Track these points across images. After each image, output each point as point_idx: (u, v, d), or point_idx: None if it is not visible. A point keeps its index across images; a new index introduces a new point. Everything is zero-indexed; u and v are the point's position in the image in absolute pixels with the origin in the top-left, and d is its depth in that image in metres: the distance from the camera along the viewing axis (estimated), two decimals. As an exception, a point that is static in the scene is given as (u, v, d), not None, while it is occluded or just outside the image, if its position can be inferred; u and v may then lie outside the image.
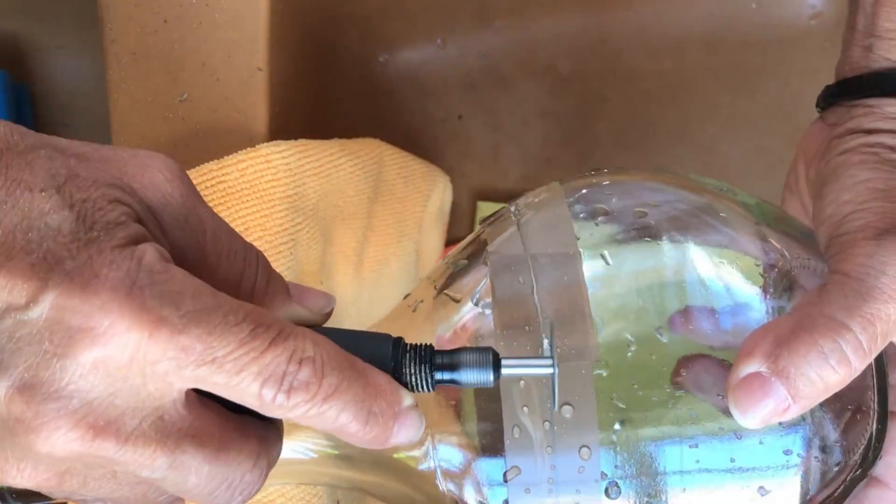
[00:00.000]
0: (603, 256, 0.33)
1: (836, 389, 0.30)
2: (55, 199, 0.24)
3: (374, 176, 0.50)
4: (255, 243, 0.40)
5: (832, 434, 0.32)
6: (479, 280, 0.33)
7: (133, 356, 0.23)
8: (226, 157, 0.40)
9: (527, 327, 0.31)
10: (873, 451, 0.33)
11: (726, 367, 0.31)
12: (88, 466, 0.25)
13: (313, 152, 0.44)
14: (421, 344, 0.28)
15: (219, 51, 0.42)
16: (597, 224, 0.33)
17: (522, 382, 0.30)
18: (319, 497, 0.41)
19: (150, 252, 0.24)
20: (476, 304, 0.33)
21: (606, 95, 0.67)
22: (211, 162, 0.40)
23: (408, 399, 0.27)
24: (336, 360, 0.25)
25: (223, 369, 0.24)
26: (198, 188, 0.39)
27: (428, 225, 0.60)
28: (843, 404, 0.32)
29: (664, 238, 0.33)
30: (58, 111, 0.69)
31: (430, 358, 0.28)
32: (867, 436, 0.33)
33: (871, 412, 0.33)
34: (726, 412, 0.30)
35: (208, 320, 0.24)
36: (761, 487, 0.31)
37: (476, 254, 0.34)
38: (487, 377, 0.28)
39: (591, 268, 0.32)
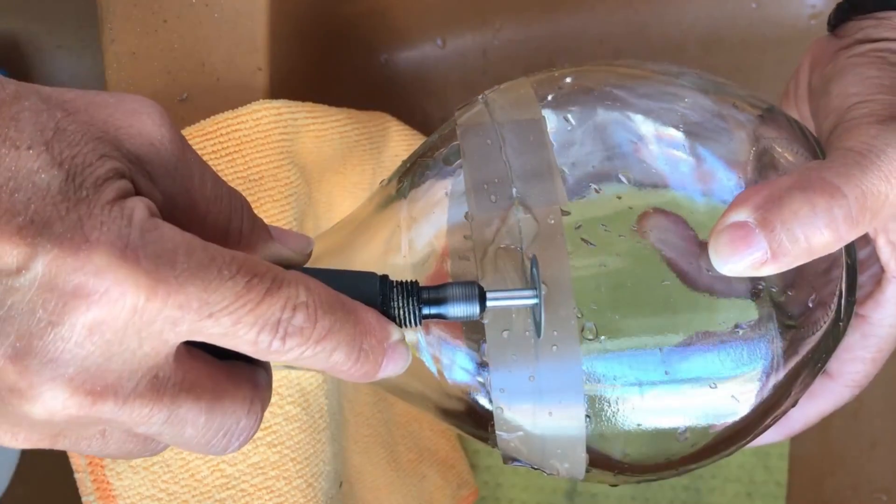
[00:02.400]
0: (566, 119, 0.34)
1: (818, 254, 0.30)
2: (44, 157, 0.23)
3: (380, 147, 0.50)
4: (267, 193, 0.41)
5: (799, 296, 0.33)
6: (449, 146, 0.35)
7: (130, 319, 0.23)
8: (241, 107, 0.41)
9: (496, 179, 0.32)
10: (846, 305, 0.34)
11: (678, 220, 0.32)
12: (83, 427, 0.24)
13: (320, 115, 0.44)
14: (406, 280, 0.28)
15: (219, 51, 0.42)
16: (560, 95, 0.35)
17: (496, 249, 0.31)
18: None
19: (139, 208, 0.23)
20: (446, 164, 0.34)
21: (606, 95, 0.67)
22: (226, 111, 0.41)
23: (396, 334, 0.27)
24: (328, 303, 0.25)
25: (220, 322, 0.24)
26: (213, 136, 0.40)
27: None
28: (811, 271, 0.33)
29: (626, 104, 0.34)
30: (58, 111, 0.69)
31: (417, 293, 0.28)
32: (837, 293, 0.34)
33: (841, 269, 0.34)
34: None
35: (203, 276, 0.23)
36: (736, 326, 0.32)
37: (446, 133, 0.36)
38: (474, 310, 0.28)
39: (555, 128, 0.33)
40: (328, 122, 0.45)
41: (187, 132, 0.40)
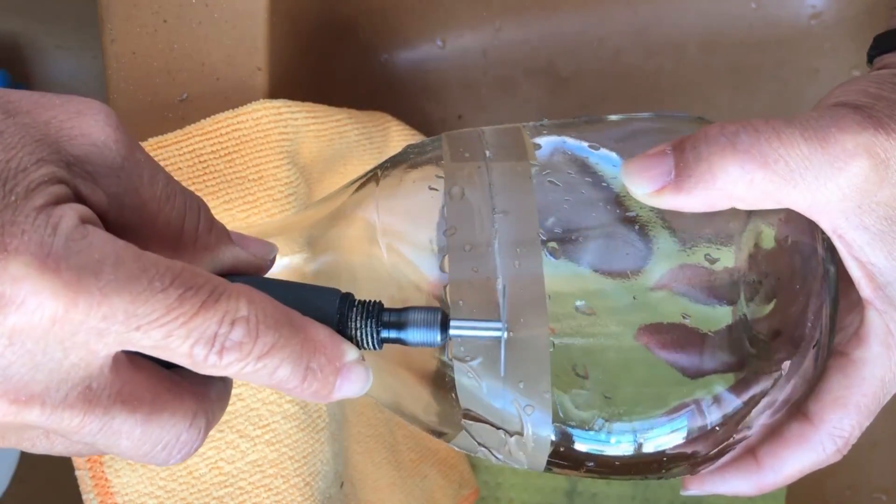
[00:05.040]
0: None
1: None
2: None
3: (380, 147, 0.50)
4: (267, 193, 0.41)
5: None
6: (428, 143, 0.36)
7: (50, 329, 0.22)
8: (241, 107, 0.41)
9: (471, 143, 0.33)
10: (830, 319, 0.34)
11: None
12: (19, 430, 0.24)
13: (320, 114, 0.44)
14: (369, 301, 0.28)
15: (219, 51, 0.42)
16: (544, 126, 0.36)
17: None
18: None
19: (68, 216, 0.23)
20: (421, 153, 0.35)
21: (606, 95, 0.67)
22: (227, 111, 0.41)
23: (351, 353, 0.27)
24: (272, 318, 0.25)
25: (149, 335, 0.23)
26: (213, 136, 0.40)
27: None
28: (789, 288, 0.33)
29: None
30: (58, 111, 0.69)
31: (378, 315, 0.27)
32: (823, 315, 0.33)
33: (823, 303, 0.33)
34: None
35: (131, 288, 0.23)
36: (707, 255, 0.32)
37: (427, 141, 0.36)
38: (434, 338, 0.27)
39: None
40: (328, 123, 0.45)
41: (187, 131, 0.40)
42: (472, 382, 0.31)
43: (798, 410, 0.35)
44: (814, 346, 0.33)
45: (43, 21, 0.69)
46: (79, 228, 0.23)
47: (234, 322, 0.24)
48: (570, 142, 0.34)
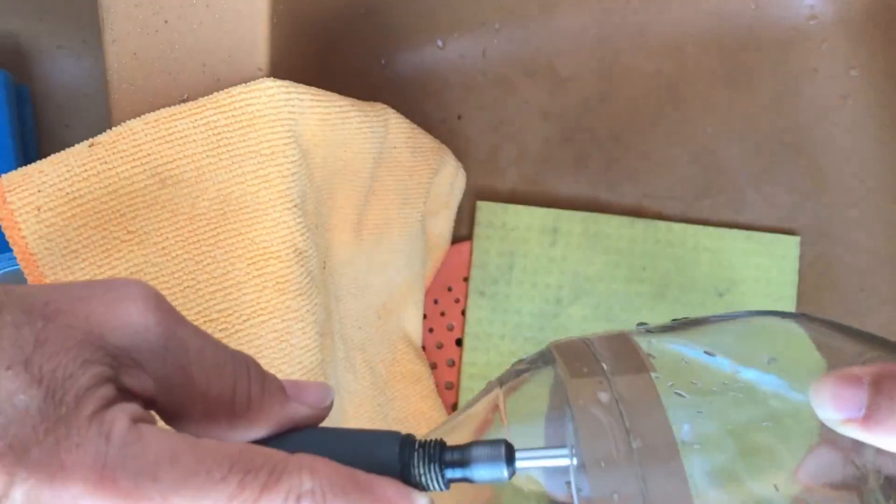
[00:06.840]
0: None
1: None
2: (23, 377, 0.22)
3: (381, 137, 0.51)
4: (277, 168, 0.41)
5: None
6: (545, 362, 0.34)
7: None
8: (252, 82, 0.41)
9: (585, 369, 0.31)
10: None
11: None
12: None
13: (324, 99, 0.45)
14: (430, 440, 0.27)
15: (219, 51, 0.42)
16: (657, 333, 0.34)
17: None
18: None
19: (119, 420, 0.23)
20: (541, 364, 0.33)
21: (606, 95, 0.67)
22: (239, 85, 0.41)
23: (421, 501, 0.26)
24: (339, 486, 0.24)
25: None
26: (227, 110, 0.40)
27: (435, 202, 0.60)
28: None
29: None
30: (58, 111, 0.70)
31: (440, 455, 0.27)
32: None
33: None
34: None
35: (190, 483, 0.23)
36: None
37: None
38: (501, 471, 0.26)
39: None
40: (331, 107, 0.45)
41: (200, 103, 0.40)
42: None
43: None
44: None
45: (43, 21, 0.69)
46: (132, 431, 0.23)
47: (300, 497, 0.24)
48: (685, 350, 0.32)
